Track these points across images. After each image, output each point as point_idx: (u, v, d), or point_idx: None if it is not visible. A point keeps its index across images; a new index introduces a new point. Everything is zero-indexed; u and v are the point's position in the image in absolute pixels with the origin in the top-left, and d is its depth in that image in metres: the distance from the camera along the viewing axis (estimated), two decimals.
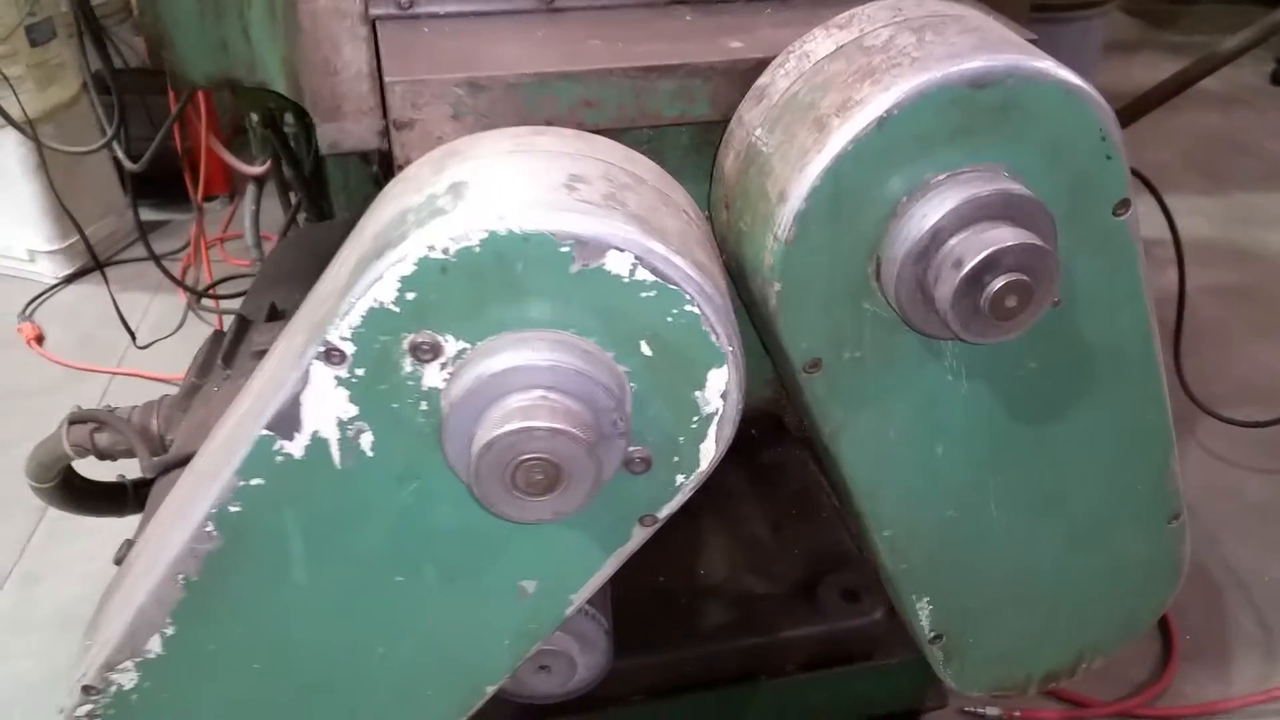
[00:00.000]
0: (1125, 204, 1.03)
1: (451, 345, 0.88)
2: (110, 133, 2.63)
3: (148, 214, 4.24)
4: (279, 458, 0.93)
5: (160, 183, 3.54)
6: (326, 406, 0.91)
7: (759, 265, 1.04)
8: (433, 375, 0.90)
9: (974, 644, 1.37)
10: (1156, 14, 5.97)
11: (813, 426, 1.16)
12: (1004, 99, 0.95)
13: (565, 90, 1.09)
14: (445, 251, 0.84)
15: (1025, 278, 0.94)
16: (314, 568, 1.01)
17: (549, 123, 1.10)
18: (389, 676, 1.10)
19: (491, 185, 0.88)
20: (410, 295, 0.86)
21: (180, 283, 3.46)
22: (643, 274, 0.87)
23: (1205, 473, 2.88)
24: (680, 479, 0.99)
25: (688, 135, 1.21)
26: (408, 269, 0.84)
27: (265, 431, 0.92)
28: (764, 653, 1.55)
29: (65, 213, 3.20)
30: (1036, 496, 1.24)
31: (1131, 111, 2.64)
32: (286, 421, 0.91)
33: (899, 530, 1.23)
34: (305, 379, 0.89)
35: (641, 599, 1.62)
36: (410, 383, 0.90)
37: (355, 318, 0.86)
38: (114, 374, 3.40)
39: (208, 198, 4.43)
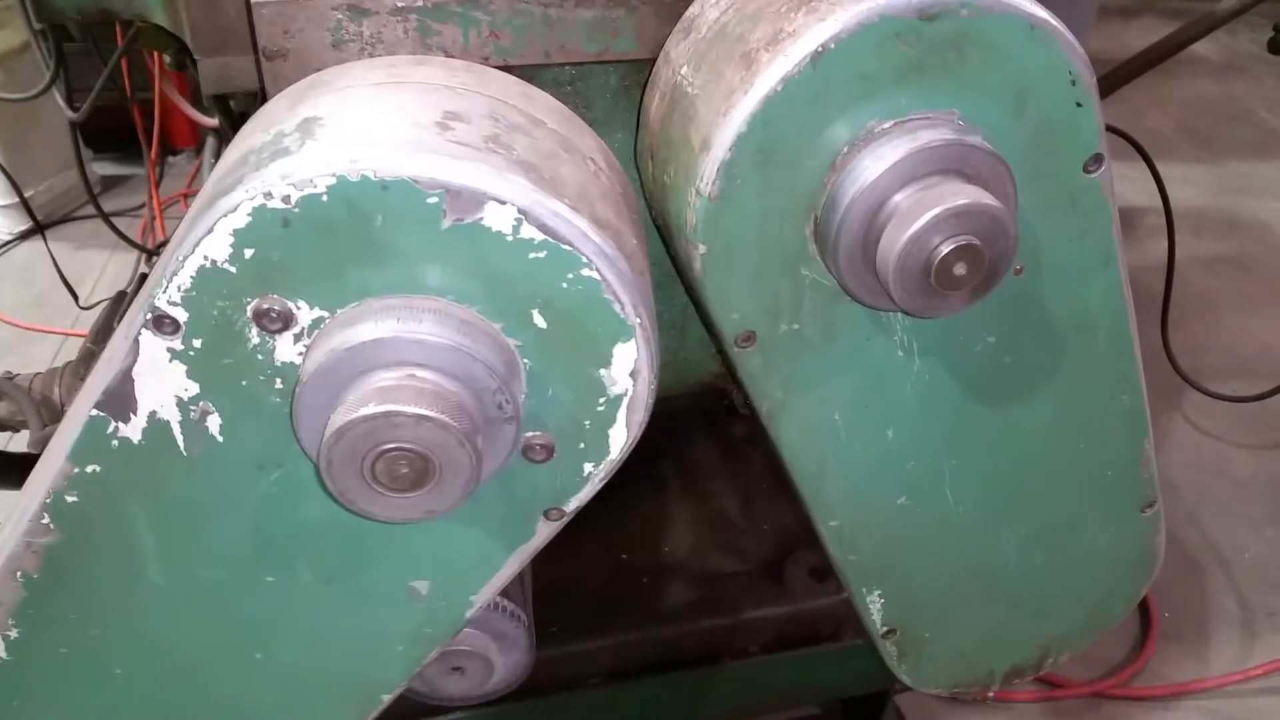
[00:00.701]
0: (1098, 159, 0.91)
1: (305, 313, 0.76)
2: (48, 79, 2.48)
3: (111, 168, 4.10)
4: (114, 441, 0.81)
5: (124, 135, 3.39)
6: (163, 384, 0.78)
7: (682, 224, 0.91)
8: (286, 348, 0.77)
9: (930, 639, 1.27)
10: None
11: (752, 405, 1.04)
12: (958, 33, 0.82)
13: (465, 18, 0.95)
14: (286, 200, 0.71)
15: (977, 242, 0.81)
16: (170, 565, 0.89)
17: (449, 58, 0.96)
18: (270, 684, 0.98)
19: (349, 122, 0.75)
20: (248, 252, 0.73)
21: (130, 240, 3.32)
22: (529, 231, 0.74)
23: (1189, 447, 2.81)
24: (588, 468, 0.87)
25: (616, 75, 1.08)
26: (240, 221, 0.71)
27: (96, 412, 0.79)
28: (727, 634, 1.49)
29: (2, 170, 3.04)
30: (997, 483, 1.13)
31: (1126, 72, 2.51)
32: (118, 401, 0.78)
33: (846, 519, 1.12)
34: (135, 351, 0.76)
35: (601, 577, 1.57)
36: (260, 357, 0.78)
37: (185, 279, 0.73)
38: (66, 335, 3.28)
39: (173, 150, 4.28)
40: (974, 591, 1.21)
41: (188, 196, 3.96)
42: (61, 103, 2.56)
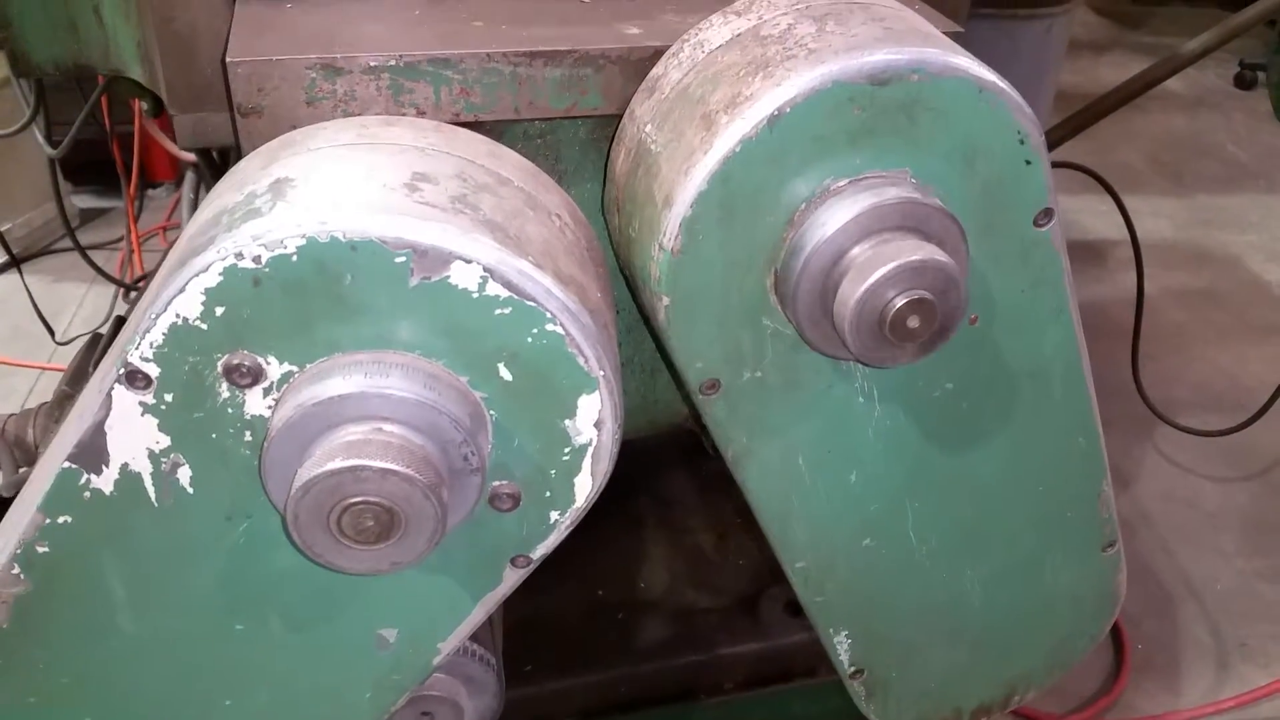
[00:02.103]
0: (1048, 213, 0.94)
1: (275, 368, 0.78)
2: (27, 117, 2.49)
3: (90, 201, 4.09)
4: (86, 493, 0.82)
5: (103, 168, 3.40)
6: (135, 436, 0.79)
7: (647, 276, 0.94)
8: (255, 402, 0.79)
9: (897, 679, 1.28)
10: (1126, 14, 5.92)
11: (718, 449, 1.06)
12: (909, 97, 0.85)
13: (437, 76, 0.98)
14: (256, 260, 0.73)
15: (929, 296, 0.84)
16: (141, 615, 0.90)
17: (421, 114, 0.99)
18: None
19: (319, 183, 0.77)
20: (219, 310, 0.74)
21: (107, 275, 3.32)
22: (495, 288, 0.77)
23: (1161, 479, 2.83)
24: (555, 516, 0.89)
25: (585, 129, 1.10)
26: (212, 280, 0.73)
27: (68, 465, 0.80)
28: (702, 670, 1.50)
29: None
30: (959, 525, 1.15)
31: (1094, 112, 2.56)
32: (91, 453, 0.80)
33: (812, 561, 1.13)
34: (108, 405, 0.78)
35: (576, 614, 1.58)
36: (230, 410, 0.79)
37: (157, 335, 0.75)
38: (43, 369, 3.27)
39: (153, 184, 4.28)
40: (938, 631, 1.23)
41: (167, 230, 3.96)
42: (41, 139, 2.58)
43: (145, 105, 1.75)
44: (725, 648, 1.52)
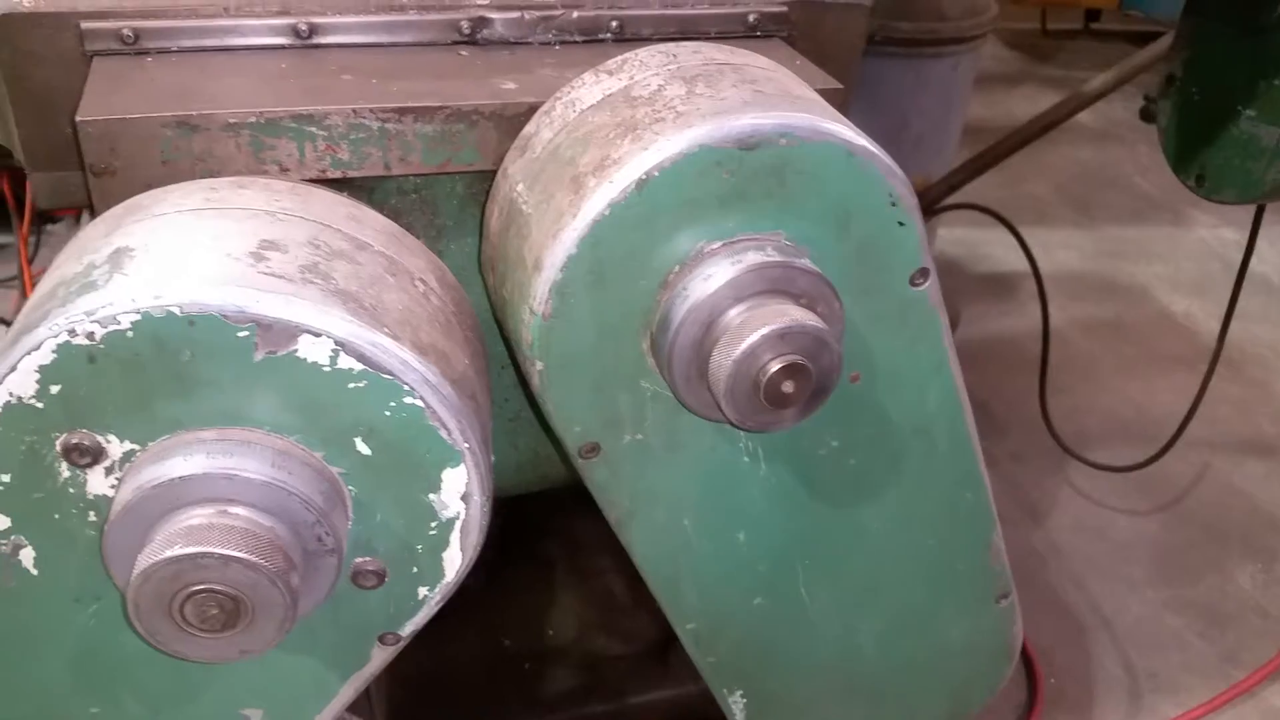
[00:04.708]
0: (924, 273, 0.93)
1: (116, 447, 0.74)
2: None
3: None
4: None
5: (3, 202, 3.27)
6: None
7: (519, 340, 0.91)
8: (98, 481, 0.75)
9: None
10: (1036, 47, 6.07)
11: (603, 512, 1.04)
12: (778, 160, 0.84)
13: (300, 133, 0.94)
14: (90, 337, 0.69)
15: (802, 360, 0.83)
16: None
17: (285, 172, 0.96)
18: None
19: (160, 253, 0.73)
20: (54, 389, 0.71)
21: None
22: (347, 362, 0.74)
23: (1072, 511, 2.86)
24: (423, 591, 0.86)
25: (462, 183, 1.07)
26: (45, 358, 0.69)
27: None
28: None
29: None
30: (851, 581, 1.14)
31: (1006, 146, 2.61)
32: None
33: (703, 622, 1.12)
34: None
35: (480, 665, 1.54)
36: (71, 490, 0.75)
37: None
38: None
39: (52, 218, 4.14)
40: (834, 687, 1.22)
41: None
42: None
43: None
44: (636, 696, 1.50)
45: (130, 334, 0.70)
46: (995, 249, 3.69)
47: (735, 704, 1.19)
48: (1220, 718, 2.27)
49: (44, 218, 4.03)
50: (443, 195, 1.07)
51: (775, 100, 0.85)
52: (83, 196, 1.04)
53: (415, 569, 0.84)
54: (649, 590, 1.62)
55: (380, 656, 0.88)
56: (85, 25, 1.00)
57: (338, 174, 0.98)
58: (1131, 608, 2.61)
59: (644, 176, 0.82)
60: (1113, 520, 2.86)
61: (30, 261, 3.19)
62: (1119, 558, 2.74)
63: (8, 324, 3.17)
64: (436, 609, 0.87)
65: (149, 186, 0.88)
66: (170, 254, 0.73)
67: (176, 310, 0.69)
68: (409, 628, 0.87)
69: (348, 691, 0.90)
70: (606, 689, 1.51)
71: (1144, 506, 2.89)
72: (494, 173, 1.03)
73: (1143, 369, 3.47)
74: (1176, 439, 2.38)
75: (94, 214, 0.95)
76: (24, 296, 3.35)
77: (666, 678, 1.51)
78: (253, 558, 0.69)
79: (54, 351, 0.70)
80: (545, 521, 1.76)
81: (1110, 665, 2.47)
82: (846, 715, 1.25)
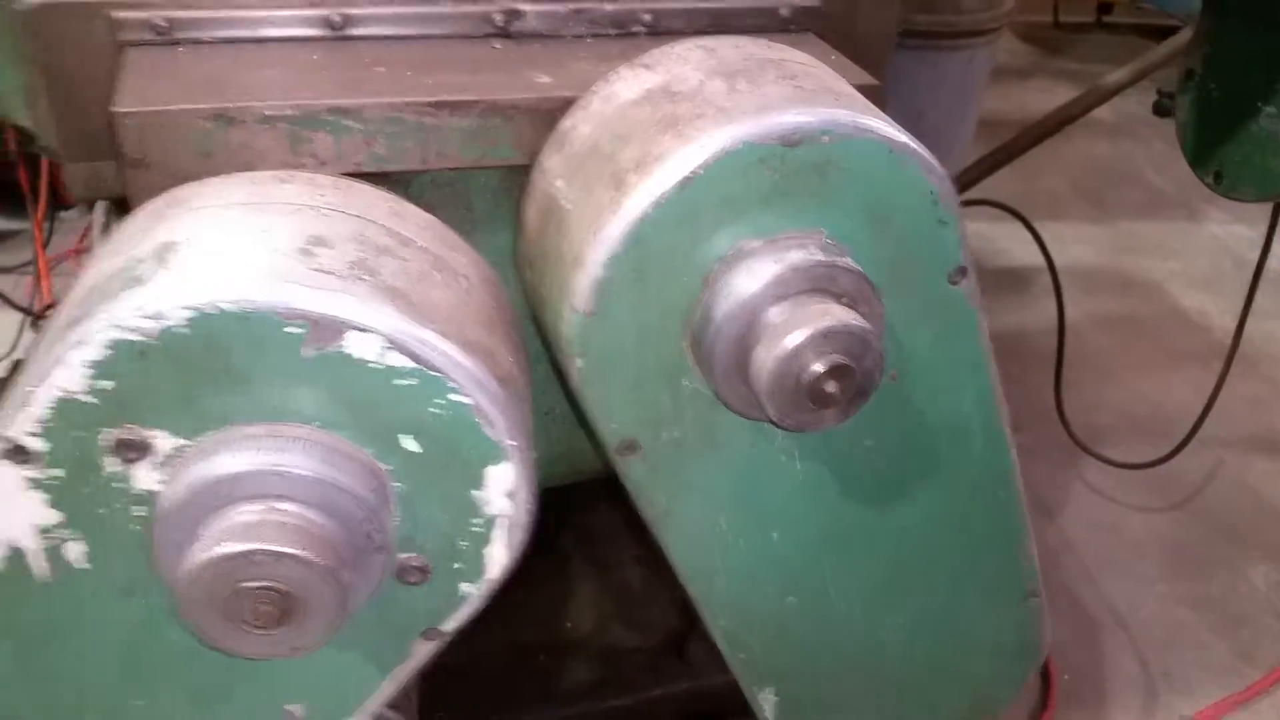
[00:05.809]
0: (962, 271, 0.93)
1: (164, 442, 0.74)
2: None
3: (4, 223, 3.94)
4: None
5: (14, 188, 3.27)
6: (20, 512, 0.75)
7: (558, 336, 0.91)
8: (145, 477, 0.75)
9: None
10: (1050, 41, 6.05)
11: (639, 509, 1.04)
12: (821, 157, 0.84)
13: (337, 126, 0.94)
14: (142, 332, 0.69)
15: (847, 360, 0.83)
16: (32, 691, 0.85)
17: (321, 165, 0.95)
18: None
19: (208, 248, 0.73)
20: (106, 384, 0.71)
21: (11, 301, 3.20)
22: (396, 359, 0.74)
23: (1085, 507, 2.86)
24: (466, 588, 0.86)
25: (496, 177, 1.07)
26: (94, 353, 0.69)
27: None
28: (630, 714, 1.47)
29: None
30: (881, 579, 1.14)
31: (1021, 143, 2.61)
32: None
33: (736, 620, 1.12)
34: None
35: (497, 659, 1.54)
36: (117, 485, 0.75)
37: (39, 410, 0.71)
38: None
39: (65, 205, 4.13)
40: (863, 684, 1.22)
41: (79, 254, 3.83)
42: None
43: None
44: (653, 689, 1.49)
45: (182, 330, 0.70)
46: (1010, 243, 3.68)
47: (766, 700, 1.19)
48: (1237, 716, 2.27)
49: (59, 205, 4.03)
50: (476, 189, 1.07)
51: (818, 96, 0.85)
52: (117, 187, 1.04)
53: (458, 565, 0.84)
54: (670, 584, 1.63)
55: (423, 652, 0.88)
56: (117, 15, 1.00)
57: (374, 168, 0.98)
58: (1145, 605, 2.60)
59: (688, 173, 0.82)
60: (1126, 517, 2.85)
61: (45, 247, 3.18)
62: (1132, 554, 2.74)
63: (26, 311, 3.17)
64: (481, 606, 0.87)
65: (185, 179, 0.88)
66: (219, 249, 0.73)
67: (229, 306, 0.69)
68: (452, 624, 0.87)
69: (389, 687, 0.90)
70: (623, 682, 1.50)
71: (1157, 503, 2.88)
72: (528, 167, 1.02)
73: (1156, 365, 3.46)
74: (1191, 437, 2.38)
75: (126, 206, 0.95)
76: (39, 283, 3.35)
77: (683, 671, 1.51)
78: (307, 554, 0.70)
79: (107, 347, 0.70)
80: (562, 514, 1.76)
81: (1124, 662, 2.46)
82: (876, 711, 1.25)
